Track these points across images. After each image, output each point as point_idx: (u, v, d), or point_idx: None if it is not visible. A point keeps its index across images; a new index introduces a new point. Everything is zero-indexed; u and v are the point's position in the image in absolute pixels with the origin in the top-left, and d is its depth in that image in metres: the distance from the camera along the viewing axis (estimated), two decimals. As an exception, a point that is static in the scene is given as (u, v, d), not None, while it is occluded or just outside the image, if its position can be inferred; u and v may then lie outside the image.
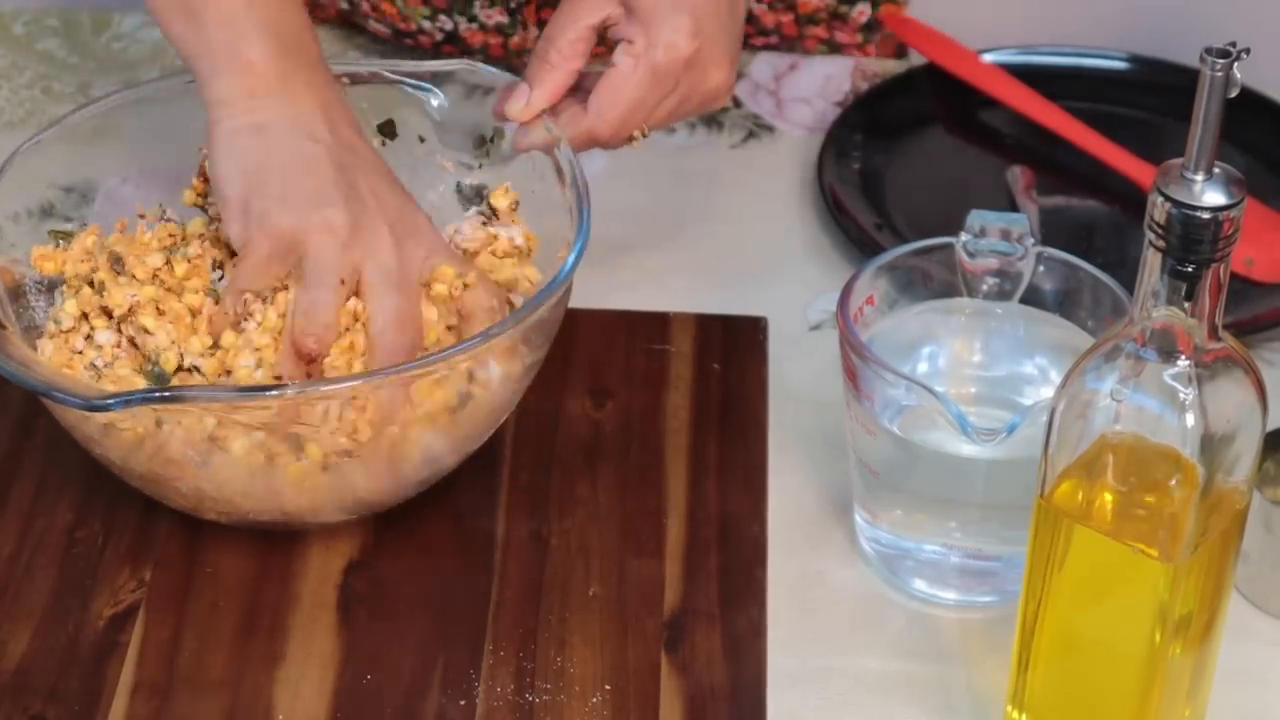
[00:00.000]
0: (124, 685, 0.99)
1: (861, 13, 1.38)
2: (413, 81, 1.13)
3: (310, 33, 1.05)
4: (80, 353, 1.02)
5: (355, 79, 1.12)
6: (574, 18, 1.08)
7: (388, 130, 1.13)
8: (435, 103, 1.12)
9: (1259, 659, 1.01)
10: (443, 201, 1.12)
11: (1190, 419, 0.84)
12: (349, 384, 0.97)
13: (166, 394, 0.94)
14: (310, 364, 0.99)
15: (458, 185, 1.13)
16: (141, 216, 1.08)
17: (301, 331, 0.99)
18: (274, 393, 0.95)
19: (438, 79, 1.12)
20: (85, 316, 1.03)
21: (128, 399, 0.94)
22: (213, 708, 0.98)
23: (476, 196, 1.12)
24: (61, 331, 1.03)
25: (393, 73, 1.13)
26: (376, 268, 1.00)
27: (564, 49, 1.08)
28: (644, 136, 1.09)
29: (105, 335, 1.02)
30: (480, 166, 1.12)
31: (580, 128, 1.08)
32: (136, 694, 0.99)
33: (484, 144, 1.12)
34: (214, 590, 1.03)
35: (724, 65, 1.08)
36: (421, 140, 1.13)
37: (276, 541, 1.05)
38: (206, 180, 1.07)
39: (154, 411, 0.95)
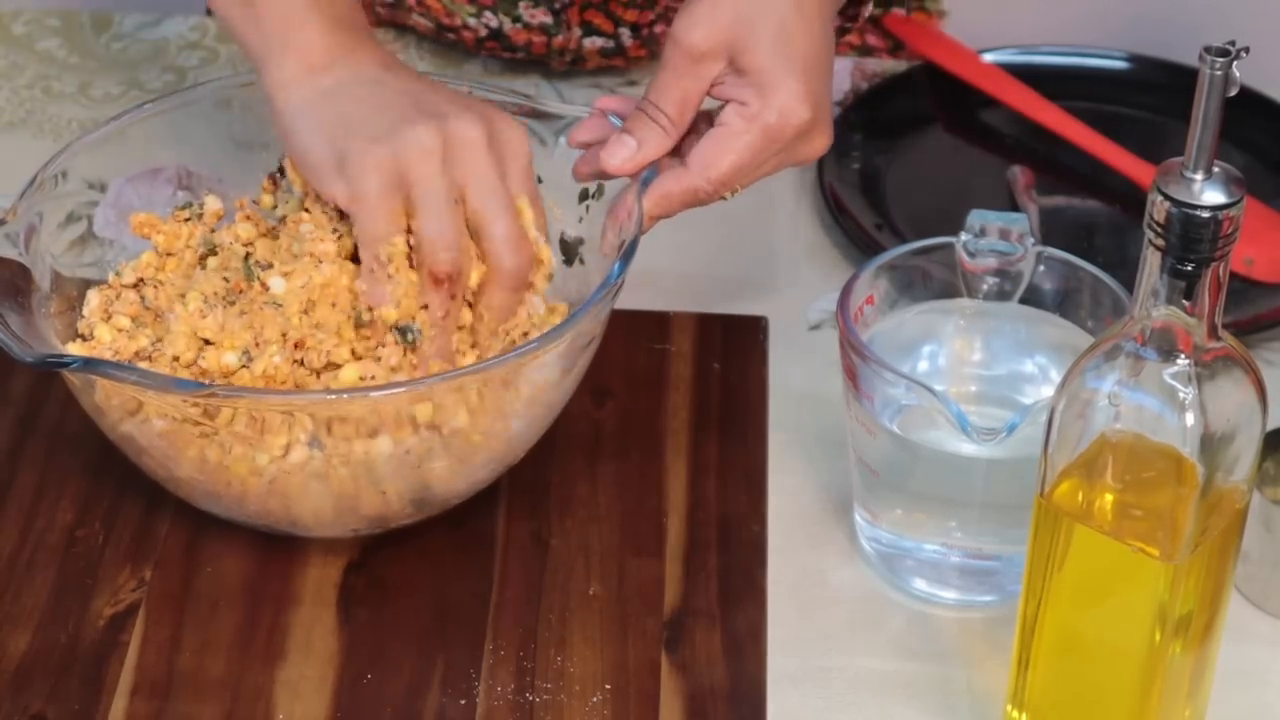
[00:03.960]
0: (124, 685, 0.99)
1: (896, 15, 1.39)
2: (544, 123, 1.10)
3: (359, 9, 1.06)
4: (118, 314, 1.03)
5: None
6: (683, 84, 1.04)
7: None
8: (563, 145, 1.09)
9: (1259, 659, 1.01)
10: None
11: (1190, 418, 0.84)
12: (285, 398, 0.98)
13: (80, 362, 0.95)
14: (451, 289, 1.00)
15: (562, 235, 1.10)
16: (240, 207, 1.08)
17: (432, 259, 0.99)
18: (196, 389, 0.95)
19: (569, 124, 1.09)
20: (142, 281, 1.04)
21: (65, 362, 0.95)
22: (213, 707, 0.98)
23: (575, 251, 1.10)
24: (121, 285, 1.04)
25: (533, 108, 1.10)
26: (479, 189, 1.00)
27: (674, 116, 1.04)
28: (732, 195, 1.05)
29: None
30: (581, 221, 1.09)
31: (682, 184, 1.04)
32: (136, 694, 0.98)
33: (586, 197, 1.09)
34: (214, 590, 1.03)
35: (827, 128, 1.05)
36: (540, 180, 1.09)
37: (277, 541, 1.05)
38: (274, 180, 1.08)
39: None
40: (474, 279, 1.01)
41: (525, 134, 1.03)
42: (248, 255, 1.04)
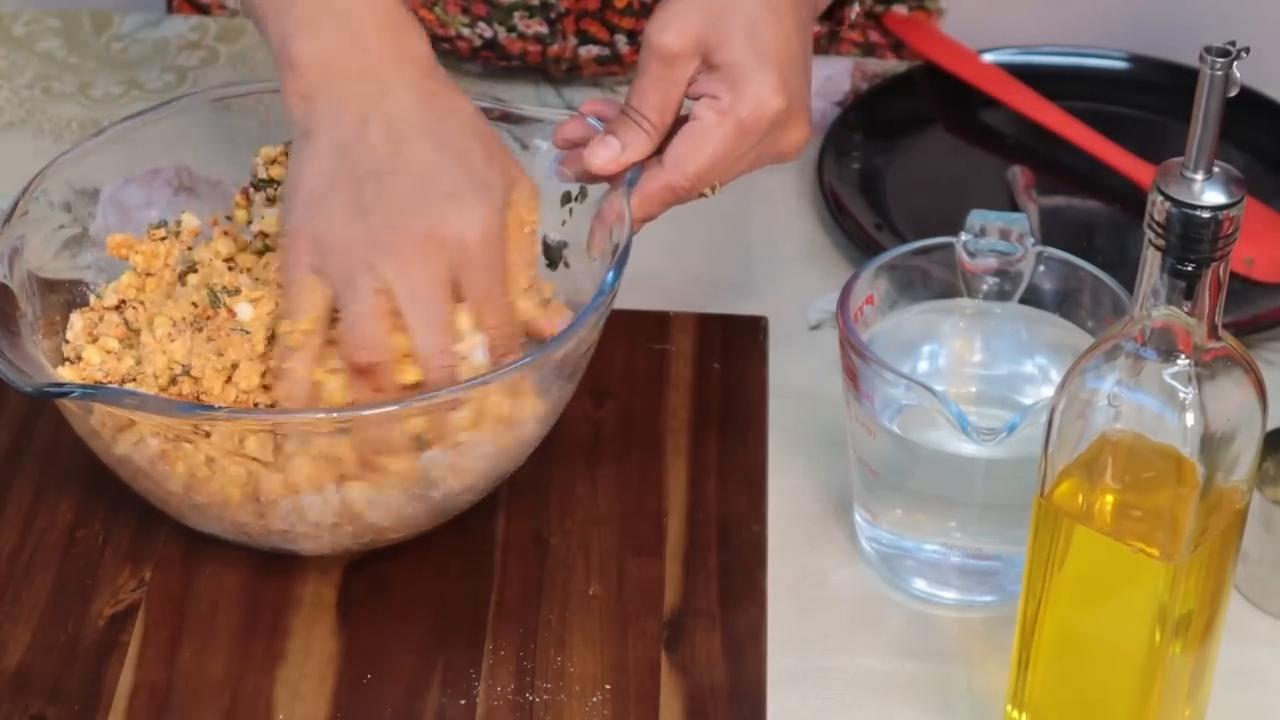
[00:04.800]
0: (124, 685, 0.99)
1: (896, 14, 1.39)
2: (523, 127, 1.09)
3: (387, 7, 1.01)
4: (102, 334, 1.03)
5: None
6: (661, 87, 1.03)
7: None
8: (544, 149, 1.09)
9: (1259, 659, 1.01)
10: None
11: (1190, 418, 0.84)
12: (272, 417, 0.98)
13: (79, 390, 0.94)
14: (375, 382, 0.98)
15: (544, 239, 1.09)
16: (215, 224, 1.08)
17: (350, 347, 0.97)
18: (204, 412, 0.95)
19: (548, 126, 1.09)
20: (124, 303, 1.04)
21: (65, 390, 0.94)
22: (213, 707, 0.98)
23: (559, 255, 1.09)
24: (103, 307, 1.04)
25: (509, 112, 1.09)
26: (399, 287, 0.97)
27: (656, 120, 1.03)
28: (714, 192, 1.05)
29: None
30: (564, 224, 1.09)
31: (659, 181, 1.03)
32: (136, 694, 0.99)
33: (569, 200, 1.09)
34: (214, 590, 1.03)
35: (805, 121, 1.05)
36: None
37: (276, 541, 1.05)
38: (246, 195, 1.08)
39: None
40: (409, 377, 0.98)
41: (490, 236, 0.98)
42: (230, 268, 1.04)
